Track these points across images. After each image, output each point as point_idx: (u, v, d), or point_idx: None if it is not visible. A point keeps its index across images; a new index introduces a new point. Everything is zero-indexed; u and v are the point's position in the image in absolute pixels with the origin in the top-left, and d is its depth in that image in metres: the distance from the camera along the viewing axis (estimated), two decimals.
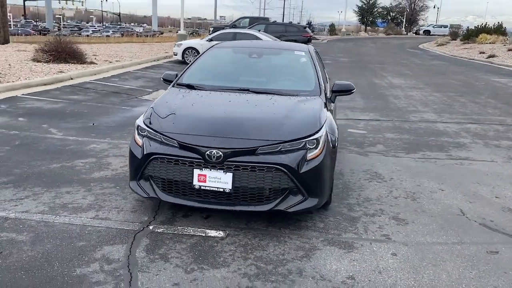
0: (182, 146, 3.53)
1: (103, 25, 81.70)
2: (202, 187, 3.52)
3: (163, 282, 2.87)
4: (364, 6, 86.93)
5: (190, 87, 4.59)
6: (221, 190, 3.49)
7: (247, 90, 4.40)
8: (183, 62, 18.31)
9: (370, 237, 3.68)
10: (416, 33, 72.16)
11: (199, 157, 3.47)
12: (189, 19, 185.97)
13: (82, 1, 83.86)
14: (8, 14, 69.42)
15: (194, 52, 18.12)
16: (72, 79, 12.41)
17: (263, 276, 3.00)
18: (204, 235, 3.55)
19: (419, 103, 10.93)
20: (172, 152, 3.55)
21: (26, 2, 78.84)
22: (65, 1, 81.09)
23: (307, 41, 22.56)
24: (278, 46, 5.70)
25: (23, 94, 9.81)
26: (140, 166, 3.69)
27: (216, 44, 5.74)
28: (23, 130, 6.74)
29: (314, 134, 3.66)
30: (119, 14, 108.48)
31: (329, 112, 4.31)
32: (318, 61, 5.61)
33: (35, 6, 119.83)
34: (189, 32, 56.79)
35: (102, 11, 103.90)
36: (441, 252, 3.46)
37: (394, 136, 7.47)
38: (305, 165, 3.54)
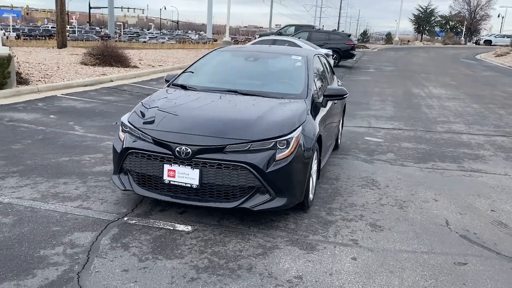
0: (156, 142, 3.71)
1: (160, 32, 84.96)
2: (171, 182, 3.67)
3: (114, 267, 3.04)
4: (420, 14, 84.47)
5: (183, 87, 4.77)
6: (189, 185, 3.63)
7: (235, 92, 4.52)
8: None
9: (337, 240, 3.66)
10: (477, 43, 68.98)
11: (170, 153, 3.62)
12: (245, 27, 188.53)
13: (142, 9, 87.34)
14: (75, 20, 73.35)
15: None
16: (112, 81, 13.06)
17: (212, 269, 3.10)
18: (172, 228, 3.69)
19: (452, 114, 10.54)
20: (146, 147, 3.73)
21: (91, 10, 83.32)
22: (127, 9, 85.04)
23: (350, 49, 22.30)
24: (277, 51, 5.77)
25: (62, 94, 10.46)
26: (119, 160, 3.90)
27: (219, 47, 5.91)
28: (50, 126, 7.22)
29: (285, 135, 3.72)
30: (177, 22, 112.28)
31: (314, 115, 4.33)
32: (322, 66, 5.63)
33: (101, 14, 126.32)
34: (241, 40, 57.61)
35: (161, 18, 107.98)
36: (404, 260, 3.39)
37: (411, 145, 7.28)
38: (273, 165, 3.60)
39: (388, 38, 71.16)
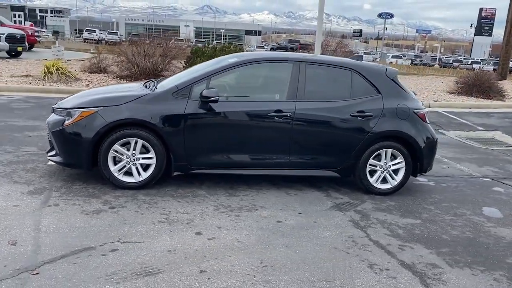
0: None
1: None
2: None
3: None
4: None
5: None
6: None
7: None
8: None
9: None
10: None
11: None
12: None
13: None
14: None
15: None
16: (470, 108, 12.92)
17: None
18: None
19: None
20: None
21: None
22: None
23: None
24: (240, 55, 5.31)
25: None
26: None
27: None
28: None
29: (72, 108, 4.62)
30: None
31: (153, 107, 4.53)
32: (267, 73, 5.21)
33: None
34: None
35: None
36: None
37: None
38: (58, 128, 4.60)
39: None
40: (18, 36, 19.26)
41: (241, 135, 4.74)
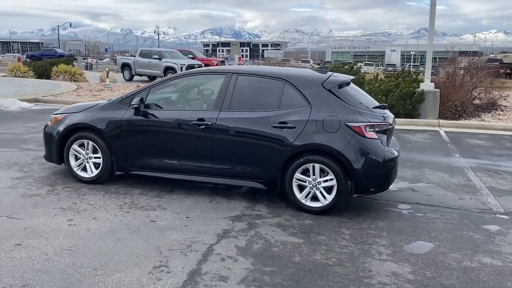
0: None
1: None
2: None
3: None
4: None
5: None
6: None
7: None
8: None
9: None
10: None
11: None
12: None
13: None
14: None
15: None
16: None
17: None
18: None
19: None
20: None
21: None
22: None
23: None
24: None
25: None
26: None
27: None
28: None
29: (53, 114, 5.74)
30: None
31: (104, 113, 5.32)
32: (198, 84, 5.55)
33: None
34: None
35: None
36: None
37: None
38: (46, 128, 5.81)
39: None
40: (196, 66, 22.95)
41: (169, 142, 5.08)
